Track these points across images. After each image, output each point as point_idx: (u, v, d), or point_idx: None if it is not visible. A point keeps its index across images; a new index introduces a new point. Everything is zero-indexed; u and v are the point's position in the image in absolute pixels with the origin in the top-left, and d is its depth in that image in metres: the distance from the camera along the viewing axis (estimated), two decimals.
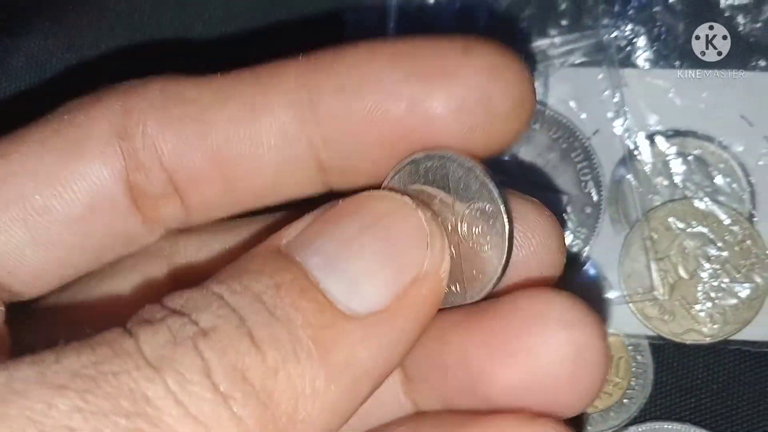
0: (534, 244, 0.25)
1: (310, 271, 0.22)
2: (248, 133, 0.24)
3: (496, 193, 0.23)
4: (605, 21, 0.37)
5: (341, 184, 0.26)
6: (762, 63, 0.37)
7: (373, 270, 0.22)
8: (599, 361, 0.23)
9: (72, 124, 0.25)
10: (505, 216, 0.23)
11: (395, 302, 0.22)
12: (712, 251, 0.37)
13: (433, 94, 0.23)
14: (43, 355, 0.19)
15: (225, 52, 0.35)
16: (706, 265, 0.37)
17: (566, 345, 0.23)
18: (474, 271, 0.24)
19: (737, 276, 0.36)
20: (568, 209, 0.37)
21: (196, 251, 0.27)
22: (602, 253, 0.37)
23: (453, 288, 0.24)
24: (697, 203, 0.37)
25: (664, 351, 0.37)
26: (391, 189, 0.24)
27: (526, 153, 0.37)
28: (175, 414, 0.19)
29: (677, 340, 0.36)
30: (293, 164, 0.25)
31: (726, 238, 0.36)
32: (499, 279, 0.24)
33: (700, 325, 0.36)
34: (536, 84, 0.37)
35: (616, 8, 0.37)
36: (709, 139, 0.37)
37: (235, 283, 0.21)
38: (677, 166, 0.37)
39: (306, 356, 0.20)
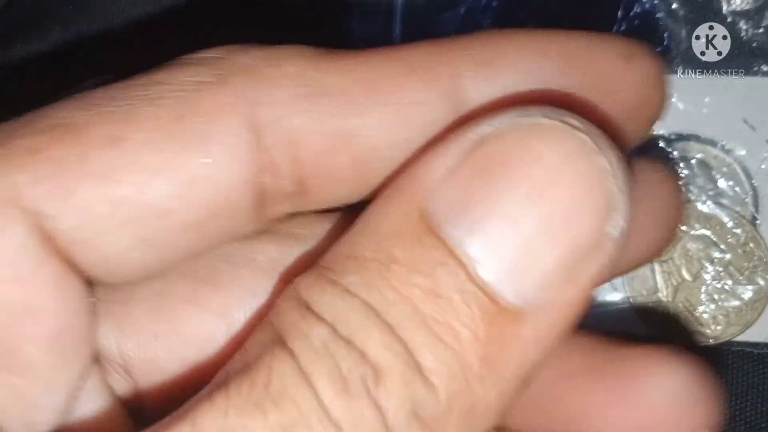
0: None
1: (468, 258, 0.18)
2: (400, 129, 0.20)
3: None
4: (606, 26, 0.38)
5: None
6: (764, 68, 0.37)
7: (545, 253, 0.18)
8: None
9: (197, 112, 0.20)
10: None
11: (566, 289, 0.18)
12: (715, 254, 0.37)
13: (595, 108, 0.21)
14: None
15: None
16: (709, 268, 0.37)
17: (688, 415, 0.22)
18: None
19: (740, 278, 0.37)
20: None
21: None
22: None
23: None
24: (700, 206, 0.37)
25: None
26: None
27: None
28: None
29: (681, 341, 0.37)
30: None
31: (729, 240, 0.37)
32: None
33: (703, 327, 0.37)
34: None
35: (620, 14, 0.38)
36: (712, 143, 0.37)
37: (378, 280, 0.18)
38: (680, 170, 0.37)
39: (478, 382, 0.17)
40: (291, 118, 0.20)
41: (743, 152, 0.37)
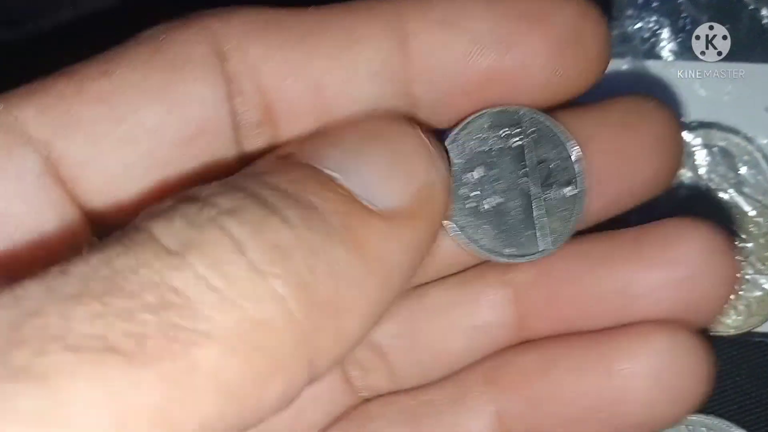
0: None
1: (325, 170, 0.20)
2: (348, 62, 0.23)
3: (570, 143, 0.25)
4: (629, 12, 0.37)
5: (431, 122, 0.25)
6: None
7: (384, 174, 0.21)
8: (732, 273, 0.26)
9: (172, 45, 0.23)
10: (576, 166, 0.25)
11: (411, 205, 0.21)
12: (737, 243, 0.36)
13: (531, 32, 0.23)
14: (46, 271, 0.17)
15: None
16: None
17: (706, 260, 0.25)
18: (558, 221, 0.25)
19: (762, 268, 0.36)
20: None
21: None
22: None
23: (541, 240, 0.25)
24: (721, 195, 0.37)
25: None
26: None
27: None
28: (210, 301, 0.17)
29: None
30: (389, 98, 0.24)
31: (751, 229, 0.36)
32: (580, 216, 0.25)
33: (724, 317, 0.36)
34: None
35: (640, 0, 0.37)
36: (734, 131, 0.37)
37: (247, 180, 0.20)
38: (702, 158, 0.37)
39: (340, 241, 0.19)
40: (249, 46, 0.23)
41: (765, 141, 0.37)
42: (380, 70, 0.24)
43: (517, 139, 0.25)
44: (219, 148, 0.23)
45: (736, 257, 0.26)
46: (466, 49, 0.23)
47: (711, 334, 0.36)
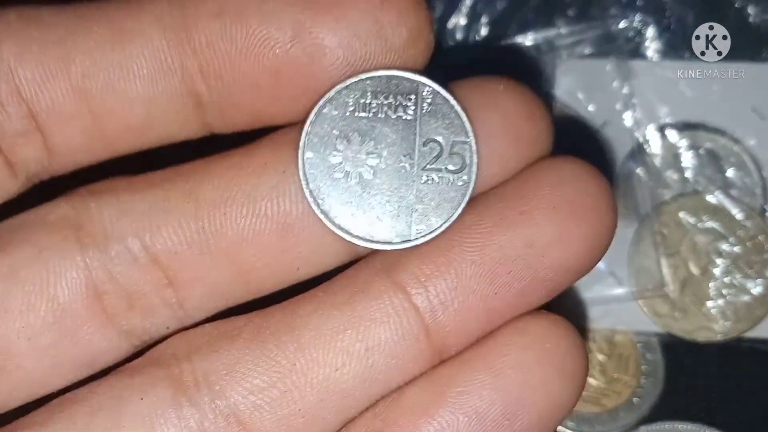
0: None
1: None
2: (117, 59, 0.22)
3: (467, 121, 0.23)
4: (613, 11, 0.36)
5: (222, 125, 0.24)
6: None
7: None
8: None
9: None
10: (473, 144, 0.23)
11: None
12: (724, 247, 0.36)
13: (320, 20, 0.22)
14: None
15: None
16: (718, 261, 0.36)
17: None
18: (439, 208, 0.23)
19: (749, 272, 0.36)
20: None
21: (116, 216, 0.23)
22: (611, 249, 0.36)
23: (415, 226, 0.23)
24: (708, 197, 0.36)
25: (675, 349, 0.36)
26: None
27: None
28: None
29: (688, 337, 0.36)
30: (168, 97, 0.23)
31: (738, 233, 0.36)
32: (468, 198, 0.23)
33: (711, 323, 0.35)
34: (543, 75, 0.36)
35: None
36: (721, 131, 0.36)
37: None
38: (688, 160, 0.36)
39: None
40: (2, 47, 0.22)
41: (753, 142, 0.36)
42: (155, 67, 0.22)
43: (408, 111, 0.23)
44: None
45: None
46: (249, 41, 0.22)
47: (699, 341, 0.35)
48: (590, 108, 0.36)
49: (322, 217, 0.23)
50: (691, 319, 0.36)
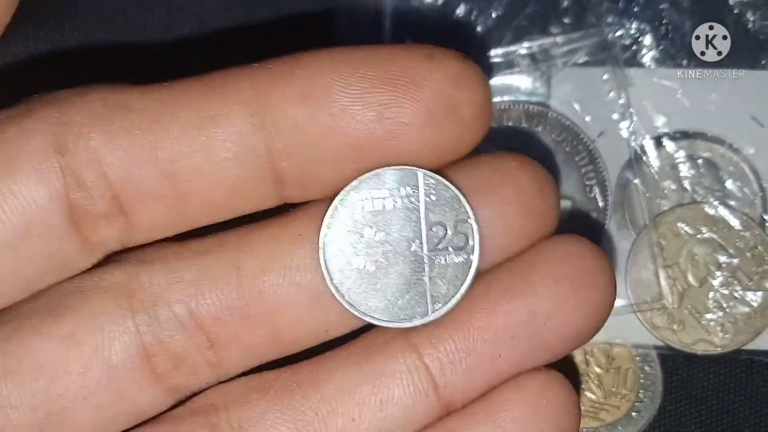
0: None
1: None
2: (203, 143, 0.23)
3: (466, 203, 0.24)
4: (609, 19, 0.36)
5: (300, 197, 0.25)
6: None
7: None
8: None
9: (5, 137, 0.23)
10: (474, 224, 0.24)
11: None
12: (723, 258, 0.35)
13: (401, 102, 0.23)
14: None
15: (212, 53, 0.34)
16: (717, 273, 0.35)
17: None
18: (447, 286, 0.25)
19: (749, 284, 0.35)
20: (572, 215, 0.36)
21: (165, 283, 0.25)
22: None
23: (430, 305, 0.25)
24: (706, 208, 0.35)
25: (673, 362, 0.36)
26: None
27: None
28: None
29: (687, 350, 0.35)
30: (250, 177, 0.24)
31: (737, 244, 0.35)
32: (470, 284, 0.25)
33: (710, 335, 0.35)
34: (538, 84, 0.36)
35: (621, 5, 0.36)
36: (719, 141, 0.36)
37: None
38: (686, 170, 0.36)
39: None
40: (91, 136, 0.23)
41: (752, 151, 0.36)
42: (240, 150, 0.23)
43: (413, 200, 0.24)
44: (52, 245, 0.23)
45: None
46: (331, 122, 0.23)
47: (698, 353, 0.35)
48: (586, 118, 0.36)
49: (347, 306, 0.25)
50: (690, 331, 0.35)
